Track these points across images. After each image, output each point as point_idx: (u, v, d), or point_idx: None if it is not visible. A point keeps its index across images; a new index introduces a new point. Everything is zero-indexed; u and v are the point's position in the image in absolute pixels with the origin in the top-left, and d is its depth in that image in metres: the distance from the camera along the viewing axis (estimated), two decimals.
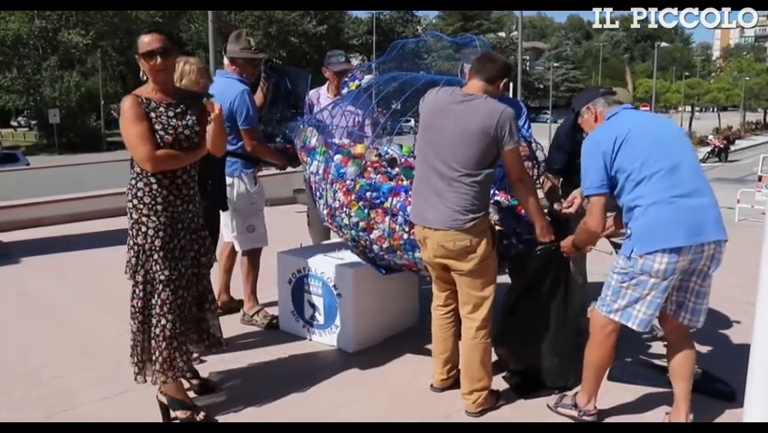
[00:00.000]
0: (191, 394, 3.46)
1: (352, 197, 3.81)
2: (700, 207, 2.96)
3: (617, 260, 3.13)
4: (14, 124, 54.55)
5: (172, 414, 3.28)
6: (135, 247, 3.16)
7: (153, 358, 3.20)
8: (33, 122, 49.05)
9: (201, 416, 3.27)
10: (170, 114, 3.14)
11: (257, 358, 4.07)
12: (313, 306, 4.33)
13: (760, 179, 15.73)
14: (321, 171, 4.04)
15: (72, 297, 5.53)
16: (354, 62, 5.97)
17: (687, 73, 76.60)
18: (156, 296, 3.16)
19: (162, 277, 3.14)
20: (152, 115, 3.10)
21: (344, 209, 3.85)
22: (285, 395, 3.64)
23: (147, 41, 3.09)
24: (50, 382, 3.83)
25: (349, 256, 4.27)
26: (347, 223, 3.87)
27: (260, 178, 4.69)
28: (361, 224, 3.80)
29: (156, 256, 3.14)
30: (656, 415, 3.42)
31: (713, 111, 63.84)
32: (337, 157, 4.00)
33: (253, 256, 4.66)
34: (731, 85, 68.68)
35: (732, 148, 44.97)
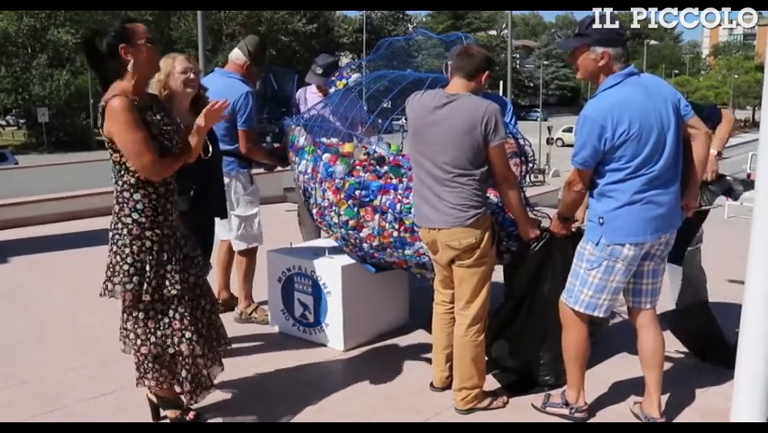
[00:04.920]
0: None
1: (342, 195, 3.81)
2: (668, 202, 3.05)
3: (583, 246, 3.16)
4: (3, 122, 54.14)
5: (162, 413, 3.26)
6: (137, 264, 2.89)
7: (182, 378, 3.07)
8: (22, 120, 48.72)
9: (191, 415, 3.25)
10: (158, 117, 2.94)
11: (246, 357, 4.06)
12: (303, 304, 4.33)
13: (749, 176, 15.82)
14: (310, 171, 4.04)
15: (60, 296, 5.50)
16: (345, 60, 5.94)
17: (676, 71, 77.03)
18: (171, 312, 2.98)
19: (174, 291, 2.94)
20: (147, 119, 2.87)
21: (334, 208, 3.85)
22: (274, 394, 3.64)
23: (144, 29, 2.87)
24: (38, 382, 3.81)
25: (339, 255, 4.27)
26: (337, 221, 3.87)
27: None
28: (351, 222, 3.80)
29: (162, 271, 2.93)
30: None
31: None
32: (326, 156, 4.00)
33: (250, 255, 4.66)
34: (720, 83, 69.13)
35: None
